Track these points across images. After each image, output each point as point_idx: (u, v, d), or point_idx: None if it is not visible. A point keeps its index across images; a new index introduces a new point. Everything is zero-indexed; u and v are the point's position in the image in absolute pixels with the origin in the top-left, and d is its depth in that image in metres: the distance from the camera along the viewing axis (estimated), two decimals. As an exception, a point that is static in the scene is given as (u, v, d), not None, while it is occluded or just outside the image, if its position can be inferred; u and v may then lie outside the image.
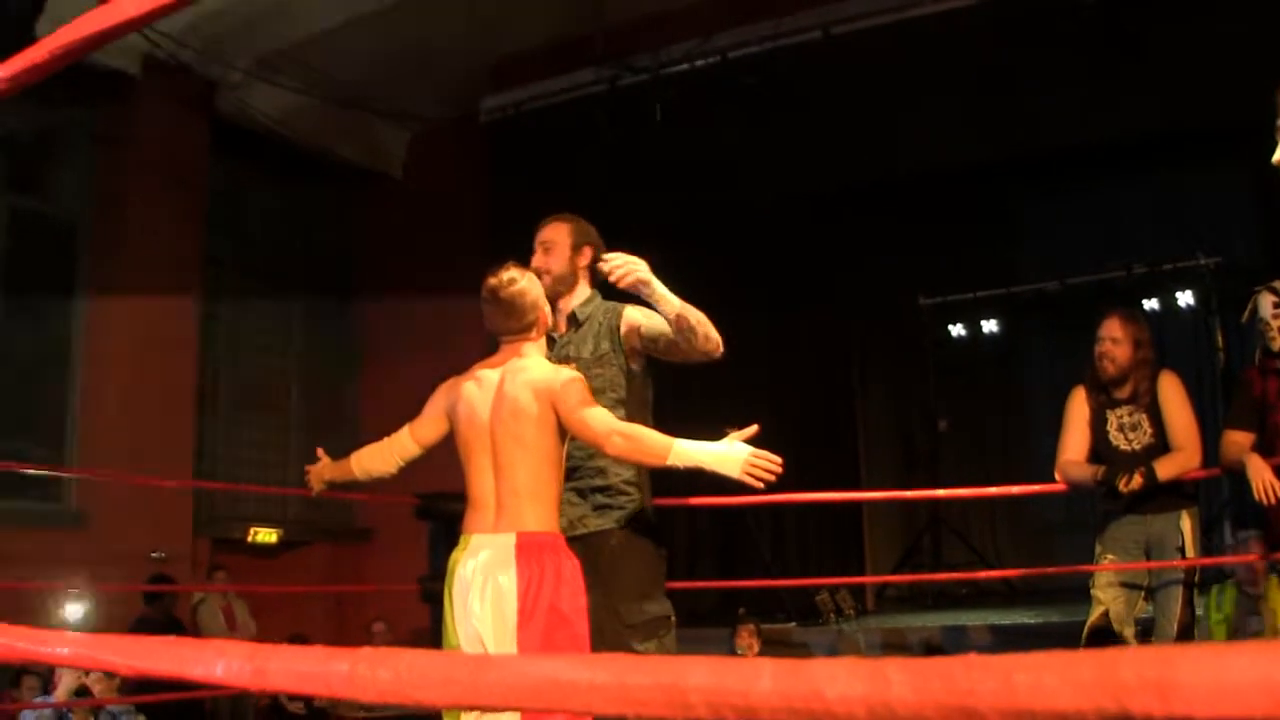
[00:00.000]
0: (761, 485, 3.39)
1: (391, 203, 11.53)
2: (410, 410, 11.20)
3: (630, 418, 3.74)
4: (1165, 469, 5.09)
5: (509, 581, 3.35)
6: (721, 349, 3.84)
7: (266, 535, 10.88)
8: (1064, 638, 7.70)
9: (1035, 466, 10.53)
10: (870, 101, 8.78)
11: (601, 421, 3.42)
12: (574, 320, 4.04)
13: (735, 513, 9.50)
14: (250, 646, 1.08)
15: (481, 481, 3.54)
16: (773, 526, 11.00)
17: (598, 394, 3.71)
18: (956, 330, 11.73)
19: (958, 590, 10.82)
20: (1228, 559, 5.60)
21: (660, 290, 3.76)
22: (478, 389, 3.61)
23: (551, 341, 3.98)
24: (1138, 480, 5.02)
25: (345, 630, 10.89)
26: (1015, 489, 6.93)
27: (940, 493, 8.50)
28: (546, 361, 3.69)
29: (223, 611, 9.56)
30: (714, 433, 3.57)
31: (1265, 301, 5.09)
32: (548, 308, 3.75)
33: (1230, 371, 9.63)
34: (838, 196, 10.38)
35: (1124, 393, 5.39)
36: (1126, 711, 0.56)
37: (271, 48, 9.80)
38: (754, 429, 3.47)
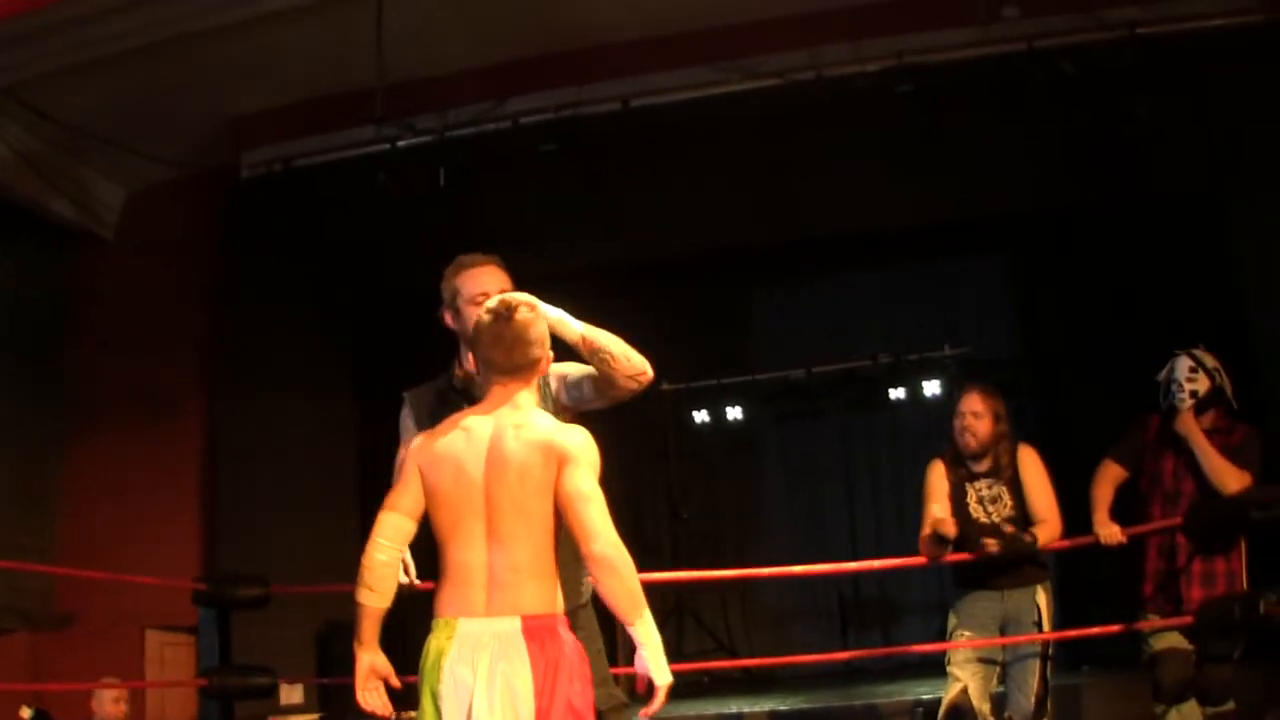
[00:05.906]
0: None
1: (109, 264, 10.50)
2: (118, 481, 10.21)
3: None
4: (1042, 537, 5.32)
5: (523, 680, 2.92)
6: (649, 373, 3.59)
7: (-44, 622, 9.59)
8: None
9: (769, 553, 10.68)
10: (647, 179, 8.68)
11: (598, 521, 2.97)
12: None
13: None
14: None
15: (469, 553, 3.04)
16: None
17: None
18: (700, 417, 11.71)
19: (700, 678, 10.68)
20: (1088, 631, 5.75)
21: (554, 315, 3.51)
22: (466, 443, 3.10)
23: None
24: (1026, 540, 5.27)
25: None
26: (814, 568, 7.09)
27: (682, 575, 8.42)
28: (548, 415, 3.25)
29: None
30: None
31: (1182, 365, 5.31)
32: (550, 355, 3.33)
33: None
34: (590, 273, 10.19)
35: (983, 466, 5.55)
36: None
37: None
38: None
